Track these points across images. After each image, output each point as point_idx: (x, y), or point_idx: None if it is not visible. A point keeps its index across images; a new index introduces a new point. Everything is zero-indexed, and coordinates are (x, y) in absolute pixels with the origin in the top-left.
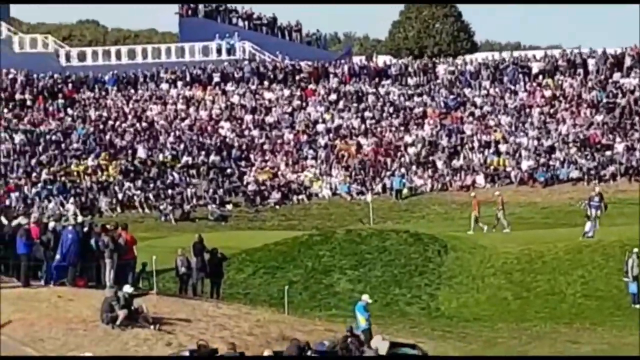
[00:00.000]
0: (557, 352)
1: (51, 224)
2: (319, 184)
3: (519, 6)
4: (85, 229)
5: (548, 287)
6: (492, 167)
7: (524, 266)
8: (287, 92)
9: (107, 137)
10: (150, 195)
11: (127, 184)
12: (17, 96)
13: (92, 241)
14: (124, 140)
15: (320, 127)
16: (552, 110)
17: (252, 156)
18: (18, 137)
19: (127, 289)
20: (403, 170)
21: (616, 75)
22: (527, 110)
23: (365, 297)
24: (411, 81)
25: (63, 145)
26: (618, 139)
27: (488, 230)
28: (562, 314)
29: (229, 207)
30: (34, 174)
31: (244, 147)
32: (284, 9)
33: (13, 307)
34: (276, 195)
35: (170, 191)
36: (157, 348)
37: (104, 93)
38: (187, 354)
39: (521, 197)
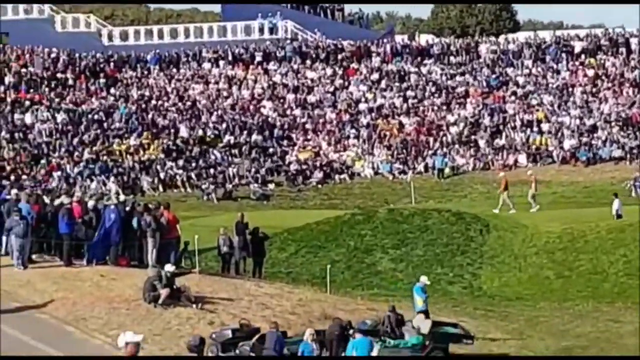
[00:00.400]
0: (599, 331)
1: (93, 203)
2: (361, 163)
3: None
4: (128, 208)
5: (590, 266)
6: (534, 147)
7: (566, 245)
8: (329, 71)
9: (149, 116)
10: (193, 175)
11: (169, 163)
12: (60, 75)
13: (135, 220)
14: (166, 120)
15: (362, 106)
16: (594, 90)
17: (294, 135)
18: (60, 117)
19: (170, 268)
20: (445, 149)
21: None
22: (570, 89)
23: (424, 279)
24: (453, 60)
25: (105, 125)
26: None
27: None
28: (604, 293)
29: (271, 186)
30: (76, 153)
31: (286, 126)
32: None
33: (55, 287)
34: (318, 174)
35: (212, 170)
36: (199, 327)
37: (146, 72)
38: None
39: (563, 176)
